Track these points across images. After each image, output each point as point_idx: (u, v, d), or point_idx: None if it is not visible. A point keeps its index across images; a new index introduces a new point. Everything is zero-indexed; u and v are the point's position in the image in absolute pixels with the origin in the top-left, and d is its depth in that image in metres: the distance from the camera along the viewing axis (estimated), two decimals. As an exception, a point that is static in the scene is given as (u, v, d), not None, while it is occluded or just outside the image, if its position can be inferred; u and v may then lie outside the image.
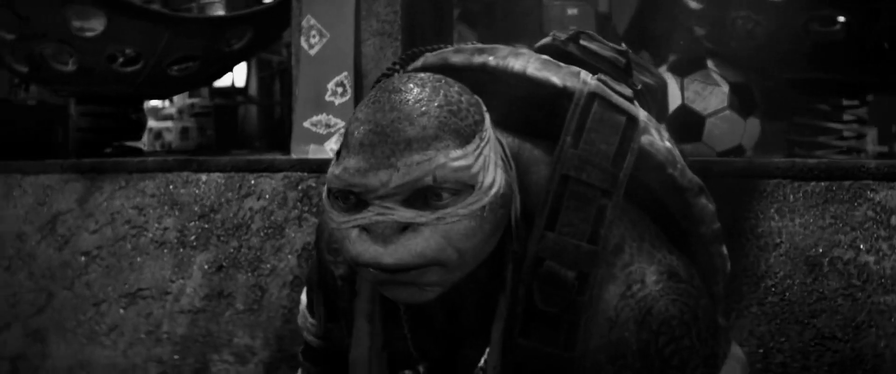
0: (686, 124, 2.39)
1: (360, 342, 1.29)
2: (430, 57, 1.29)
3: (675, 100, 2.43)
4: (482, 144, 1.10)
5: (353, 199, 1.07)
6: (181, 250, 2.19)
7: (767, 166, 1.96)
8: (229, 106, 4.00)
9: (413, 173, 1.05)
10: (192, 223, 2.20)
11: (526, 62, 1.21)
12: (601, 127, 1.17)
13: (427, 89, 1.09)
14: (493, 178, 1.10)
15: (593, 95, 1.17)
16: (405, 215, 1.06)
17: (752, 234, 1.88)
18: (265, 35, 2.96)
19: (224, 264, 2.13)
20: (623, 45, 1.34)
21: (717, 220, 1.27)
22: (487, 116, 1.15)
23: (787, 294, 1.83)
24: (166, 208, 2.25)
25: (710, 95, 2.42)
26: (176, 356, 2.09)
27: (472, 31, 4.38)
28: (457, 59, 1.25)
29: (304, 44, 2.59)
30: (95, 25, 2.82)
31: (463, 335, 1.23)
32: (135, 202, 2.30)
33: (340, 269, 1.34)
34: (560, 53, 1.30)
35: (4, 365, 2.32)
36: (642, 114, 1.22)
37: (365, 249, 1.07)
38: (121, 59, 2.93)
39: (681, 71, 2.47)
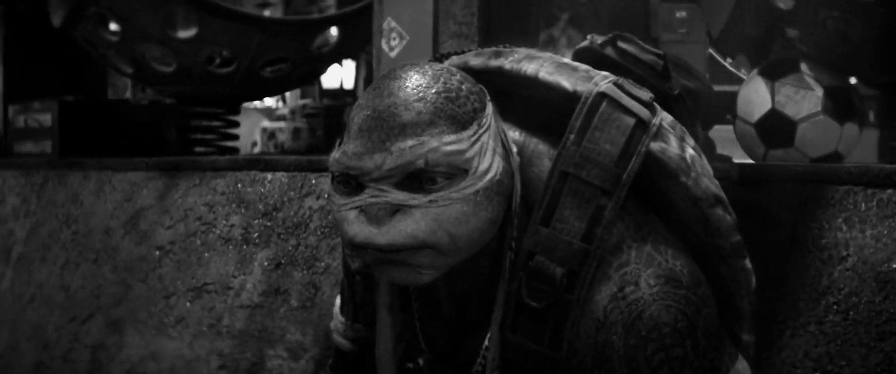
0: (777, 129, 2.28)
1: (385, 335, 1.31)
2: (454, 60, 1.32)
3: (764, 104, 2.33)
4: (480, 131, 1.12)
5: (352, 182, 1.11)
6: (245, 246, 2.25)
7: (837, 172, 1.83)
8: (338, 107, 4.09)
9: (405, 157, 1.07)
10: (256, 221, 2.26)
11: (539, 66, 1.22)
12: (607, 127, 1.15)
13: (427, 77, 1.12)
14: (490, 164, 1.11)
15: (602, 96, 1.16)
16: (398, 197, 1.08)
17: (814, 245, 1.77)
18: (354, 37, 3.00)
19: (282, 261, 2.17)
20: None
21: (737, 233, 1.23)
22: (490, 105, 1.16)
23: (852, 313, 1.70)
24: (234, 205, 2.32)
25: (802, 99, 2.30)
26: (235, 350, 2.14)
27: (580, 33, 4.35)
28: (475, 62, 1.27)
29: (384, 46, 2.63)
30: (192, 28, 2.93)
31: (467, 327, 1.23)
32: (206, 200, 2.37)
33: (356, 262, 1.36)
34: (597, 57, 1.30)
35: (86, 353, 2.44)
36: (660, 119, 1.19)
37: (360, 230, 1.10)
38: (217, 61, 3.03)
39: (772, 74, 2.37)
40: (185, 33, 2.92)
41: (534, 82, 1.21)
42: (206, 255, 2.31)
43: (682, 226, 1.22)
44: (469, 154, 1.09)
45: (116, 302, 2.44)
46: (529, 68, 1.22)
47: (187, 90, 3.08)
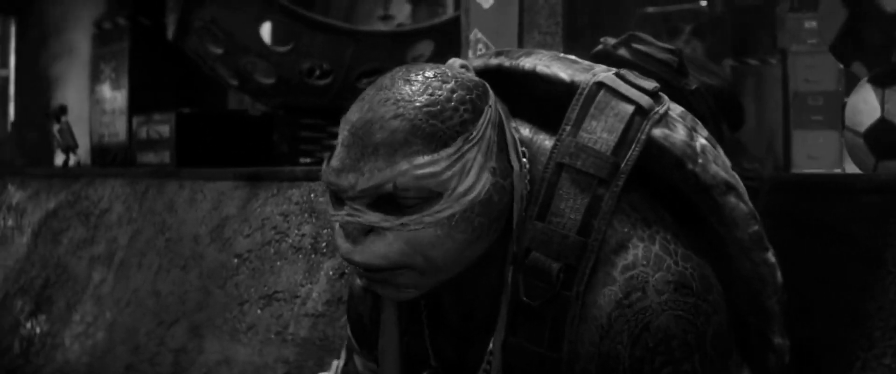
0: (887, 140, 2.14)
1: (390, 330, 1.29)
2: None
3: (873, 113, 2.20)
4: (465, 147, 1.07)
5: (337, 195, 1.10)
6: (313, 256, 2.27)
7: (925, 182, 1.68)
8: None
9: (375, 179, 1.04)
10: (325, 231, 2.28)
11: (536, 60, 1.20)
12: (604, 115, 1.12)
13: (413, 86, 1.07)
14: (472, 183, 1.07)
15: (600, 85, 1.13)
16: (371, 218, 1.06)
17: (895, 265, 1.62)
18: (448, 47, 3.00)
19: (346, 271, 2.17)
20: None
21: (755, 222, 1.15)
22: (489, 111, 1.10)
23: (938, 347, 1.55)
24: (306, 215, 2.35)
25: (914, 107, 2.16)
26: (299, 358, 2.16)
27: (702, 45, 4.23)
28: (477, 62, 1.25)
29: (471, 56, 2.63)
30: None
31: (474, 334, 1.20)
32: (282, 209, 2.41)
33: (362, 279, 1.36)
34: (612, 58, 1.27)
35: (169, 357, 2.51)
36: (666, 107, 1.14)
37: (342, 243, 1.09)
38: (317, 73, 3.08)
39: (882, 82, 2.24)
40: (282, 46, 2.98)
41: (532, 77, 1.18)
42: (278, 263, 2.35)
43: (698, 222, 1.16)
44: (444, 176, 1.04)
45: (198, 308, 2.51)
46: (527, 63, 1.19)
47: (288, 101, 3.15)
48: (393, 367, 1.29)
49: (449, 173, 1.05)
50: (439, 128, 1.05)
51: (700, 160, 1.12)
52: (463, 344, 1.22)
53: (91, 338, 2.84)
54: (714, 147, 1.15)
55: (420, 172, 1.03)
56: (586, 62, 1.20)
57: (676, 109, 1.15)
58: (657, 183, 1.15)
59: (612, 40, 1.30)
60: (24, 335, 3.12)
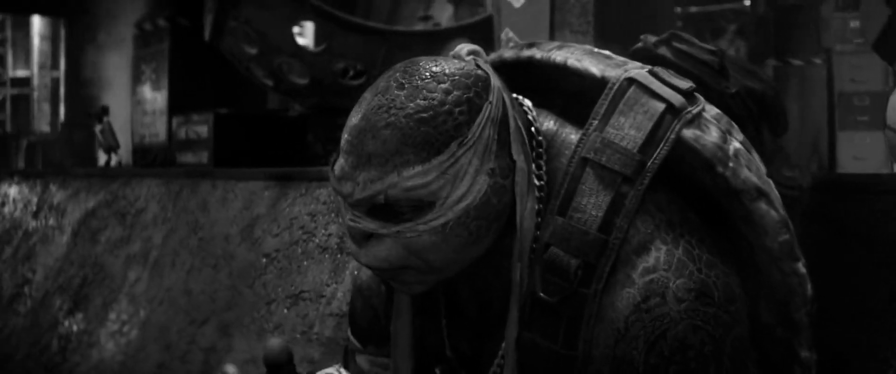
0: (928, 142, 2.08)
1: (403, 313, 1.28)
2: (491, 56, 1.28)
3: (913, 114, 2.14)
4: (458, 153, 1.05)
5: None
6: (339, 255, 2.27)
7: (958, 181, 1.62)
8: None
9: (368, 190, 1.04)
10: (351, 230, 2.27)
11: (568, 54, 1.18)
12: (633, 112, 1.09)
13: (407, 90, 1.05)
14: (466, 190, 1.05)
15: (631, 81, 1.11)
16: (369, 226, 1.06)
17: (926, 267, 1.57)
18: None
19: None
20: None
21: (786, 231, 1.11)
22: (486, 110, 1.07)
23: (978, 354, 1.49)
24: (333, 215, 2.35)
25: (956, 109, 2.10)
26: (324, 357, 2.16)
27: (746, 45, 4.19)
28: (508, 54, 1.24)
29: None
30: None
31: (491, 327, 1.18)
32: (310, 209, 2.42)
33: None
34: (652, 57, 1.24)
35: (200, 355, 2.53)
36: (700, 108, 1.11)
37: (350, 244, 1.11)
38: (351, 73, 3.08)
39: None
40: (316, 46, 2.99)
41: (563, 70, 1.16)
42: (305, 263, 2.35)
43: (728, 228, 1.13)
44: (435, 186, 1.03)
45: (228, 307, 2.52)
46: (558, 57, 1.17)
47: (322, 102, 3.16)
48: (405, 352, 1.28)
49: (440, 182, 1.04)
50: (432, 134, 1.03)
51: (731, 164, 1.08)
52: (478, 338, 1.20)
53: (125, 336, 2.86)
54: (748, 151, 1.12)
55: (409, 183, 1.03)
56: (620, 58, 1.17)
57: (712, 111, 1.12)
58: (687, 185, 1.12)
59: (652, 38, 1.26)
60: (62, 334, 3.16)
